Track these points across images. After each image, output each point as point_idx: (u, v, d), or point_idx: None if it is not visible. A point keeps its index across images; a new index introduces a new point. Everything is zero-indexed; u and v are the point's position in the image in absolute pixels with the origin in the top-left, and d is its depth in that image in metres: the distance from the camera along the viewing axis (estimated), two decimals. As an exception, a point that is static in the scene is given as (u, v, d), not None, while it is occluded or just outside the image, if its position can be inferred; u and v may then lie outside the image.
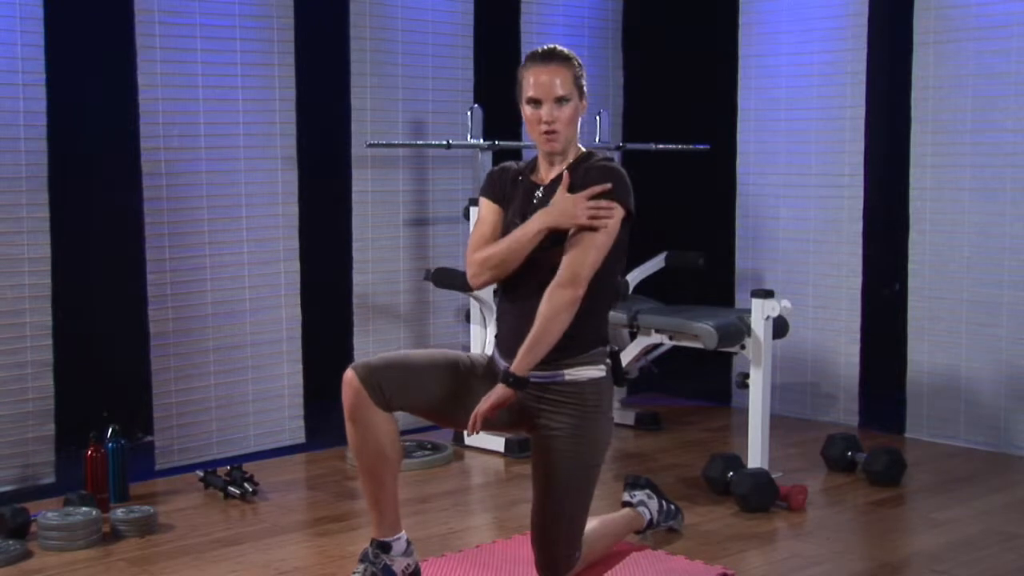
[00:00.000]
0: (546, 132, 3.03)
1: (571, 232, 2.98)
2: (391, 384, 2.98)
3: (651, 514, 3.62)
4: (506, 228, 3.09)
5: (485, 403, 2.96)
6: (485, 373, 3.13)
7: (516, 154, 5.33)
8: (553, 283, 2.95)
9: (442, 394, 3.07)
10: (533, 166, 3.18)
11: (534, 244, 3.00)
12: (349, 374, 2.98)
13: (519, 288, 3.06)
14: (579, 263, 2.95)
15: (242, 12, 4.61)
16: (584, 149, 3.14)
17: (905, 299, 5.11)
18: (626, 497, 3.66)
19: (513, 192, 3.15)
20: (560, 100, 3.02)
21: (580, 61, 3.10)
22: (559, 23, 5.73)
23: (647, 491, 3.68)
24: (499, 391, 2.96)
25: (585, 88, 3.09)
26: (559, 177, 3.07)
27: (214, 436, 4.64)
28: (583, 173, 3.04)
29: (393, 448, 3.02)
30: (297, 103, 4.78)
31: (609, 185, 2.98)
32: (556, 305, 2.94)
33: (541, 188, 3.10)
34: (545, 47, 3.10)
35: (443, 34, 5.27)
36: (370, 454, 3.01)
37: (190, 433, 4.57)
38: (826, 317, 5.32)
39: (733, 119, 5.63)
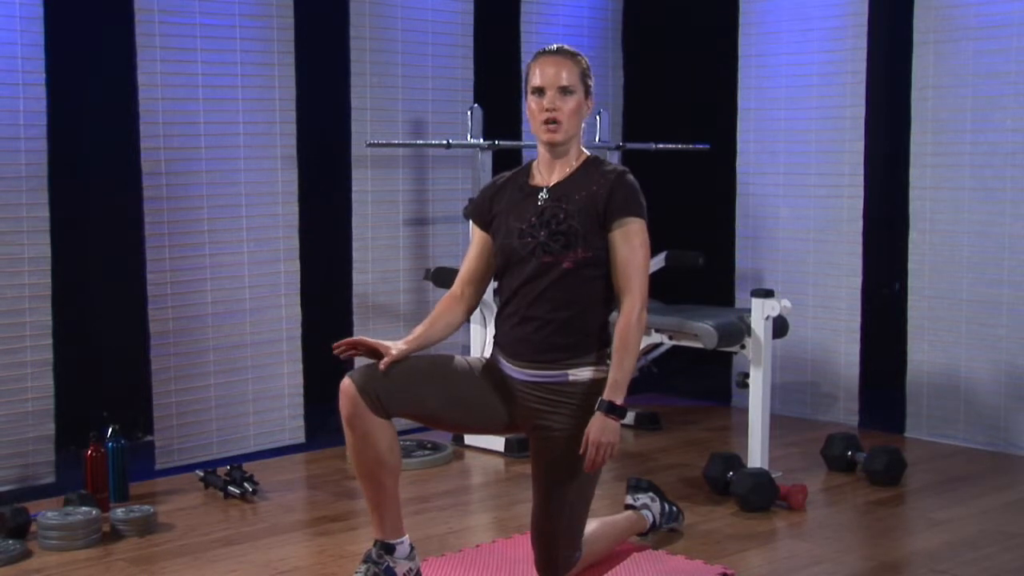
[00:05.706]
0: (547, 121, 3.02)
1: (616, 258, 2.99)
2: (387, 392, 2.98)
3: (654, 517, 3.62)
4: (508, 234, 3.08)
5: (594, 437, 2.90)
6: (484, 374, 3.12)
7: (516, 154, 5.33)
8: (630, 311, 2.96)
9: (440, 400, 3.06)
10: (528, 171, 3.16)
11: None
12: (346, 382, 2.98)
13: (521, 291, 3.05)
14: (642, 287, 2.99)
15: (242, 12, 4.61)
16: (589, 153, 3.13)
17: (905, 299, 5.11)
18: (629, 500, 3.66)
19: (508, 200, 3.13)
20: (564, 90, 3.02)
21: (588, 62, 3.10)
22: (559, 23, 5.73)
23: (650, 494, 3.68)
24: (605, 424, 2.91)
25: (592, 88, 3.08)
26: (565, 179, 3.07)
27: (214, 436, 4.64)
28: (600, 179, 3.03)
29: (392, 454, 3.02)
30: (297, 103, 4.77)
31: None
32: (642, 327, 2.99)
33: (545, 190, 3.08)
34: (555, 45, 3.11)
35: (443, 34, 5.26)
36: (369, 461, 3.00)
37: (190, 433, 4.57)
38: (826, 317, 5.32)
39: (733, 119, 5.63)
